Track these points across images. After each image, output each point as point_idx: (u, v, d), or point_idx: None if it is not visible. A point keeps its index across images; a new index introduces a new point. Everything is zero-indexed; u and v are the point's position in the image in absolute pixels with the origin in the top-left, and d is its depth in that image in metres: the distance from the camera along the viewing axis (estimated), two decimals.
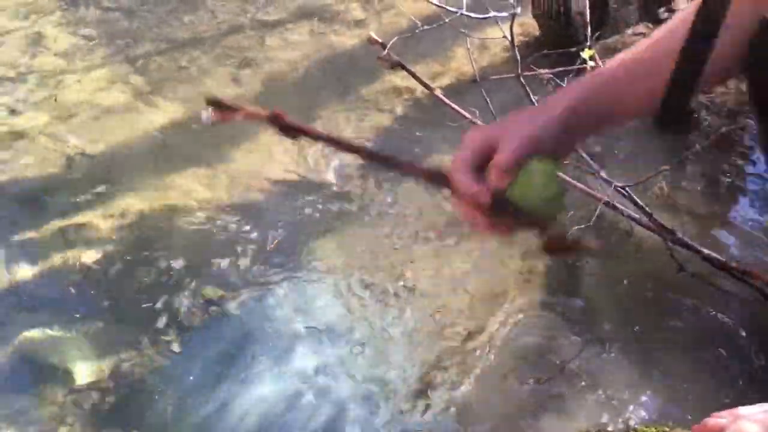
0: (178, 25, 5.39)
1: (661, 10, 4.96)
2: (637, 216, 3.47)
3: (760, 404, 1.86)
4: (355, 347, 3.33)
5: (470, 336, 3.30)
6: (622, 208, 3.43)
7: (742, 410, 1.84)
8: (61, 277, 3.78)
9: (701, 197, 3.73)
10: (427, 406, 3.06)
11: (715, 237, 3.54)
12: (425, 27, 3.04)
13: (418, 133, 4.47)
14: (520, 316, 3.37)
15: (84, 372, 3.39)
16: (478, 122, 4.02)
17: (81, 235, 3.97)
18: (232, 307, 3.59)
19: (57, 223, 4.02)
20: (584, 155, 3.32)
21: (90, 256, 3.86)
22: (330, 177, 4.15)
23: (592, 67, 3.53)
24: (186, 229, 3.97)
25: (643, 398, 3.02)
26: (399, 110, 4.66)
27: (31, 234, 3.97)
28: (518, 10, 2.82)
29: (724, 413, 1.85)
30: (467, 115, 4.13)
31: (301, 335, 3.44)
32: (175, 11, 5.51)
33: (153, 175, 4.26)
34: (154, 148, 4.48)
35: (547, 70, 3.54)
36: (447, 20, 2.94)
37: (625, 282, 3.46)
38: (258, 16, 5.43)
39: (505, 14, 2.84)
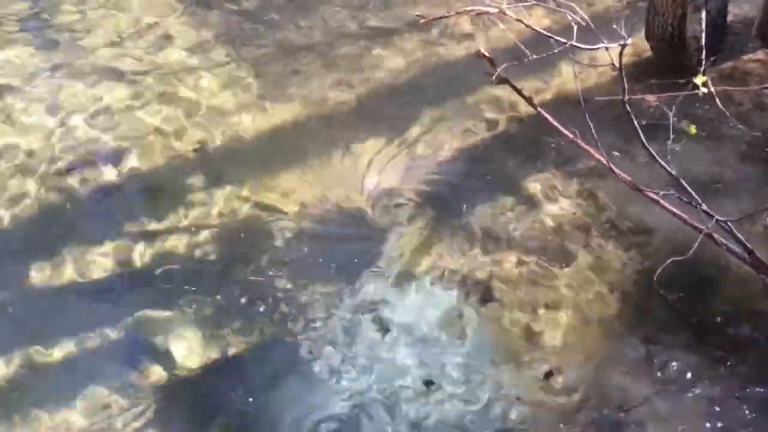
0: (292, 29, 5.61)
1: None
2: (737, 251, 3.39)
3: None
4: None
5: None
6: (723, 241, 3.37)
7: None
8: (174, 263, 4.07)
9: None
10: None
11: None
12: (533, 56, 3.09)
13: (518, 148, 4.54)
14: None
15: (185, 354, 3.65)
16: (579, 142, 4.03)
17: (191, 226, 4.25)
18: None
19: (172, 215, 4.31)
20: (686, 186, 3.27)
21: (200, 245, 4.14)
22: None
23: (704, 94, 3.41)
24: (283, 228, 4.22)
25: None
26: (501, 124, 4.72)
27: (150, 222, 4.28)
28: (629, 40, 2.82)
29: None
30: (569, 134, 4.14)
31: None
32: (291, 16, 5.72)
33: (258, 175, 4.51)
34: (261, 148, 4.74)
35: (653, 96, 3.48)
36: (556, 50, 2.98)
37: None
38: (369, 24, 5.58)
39: (614, 45, 2.85)
